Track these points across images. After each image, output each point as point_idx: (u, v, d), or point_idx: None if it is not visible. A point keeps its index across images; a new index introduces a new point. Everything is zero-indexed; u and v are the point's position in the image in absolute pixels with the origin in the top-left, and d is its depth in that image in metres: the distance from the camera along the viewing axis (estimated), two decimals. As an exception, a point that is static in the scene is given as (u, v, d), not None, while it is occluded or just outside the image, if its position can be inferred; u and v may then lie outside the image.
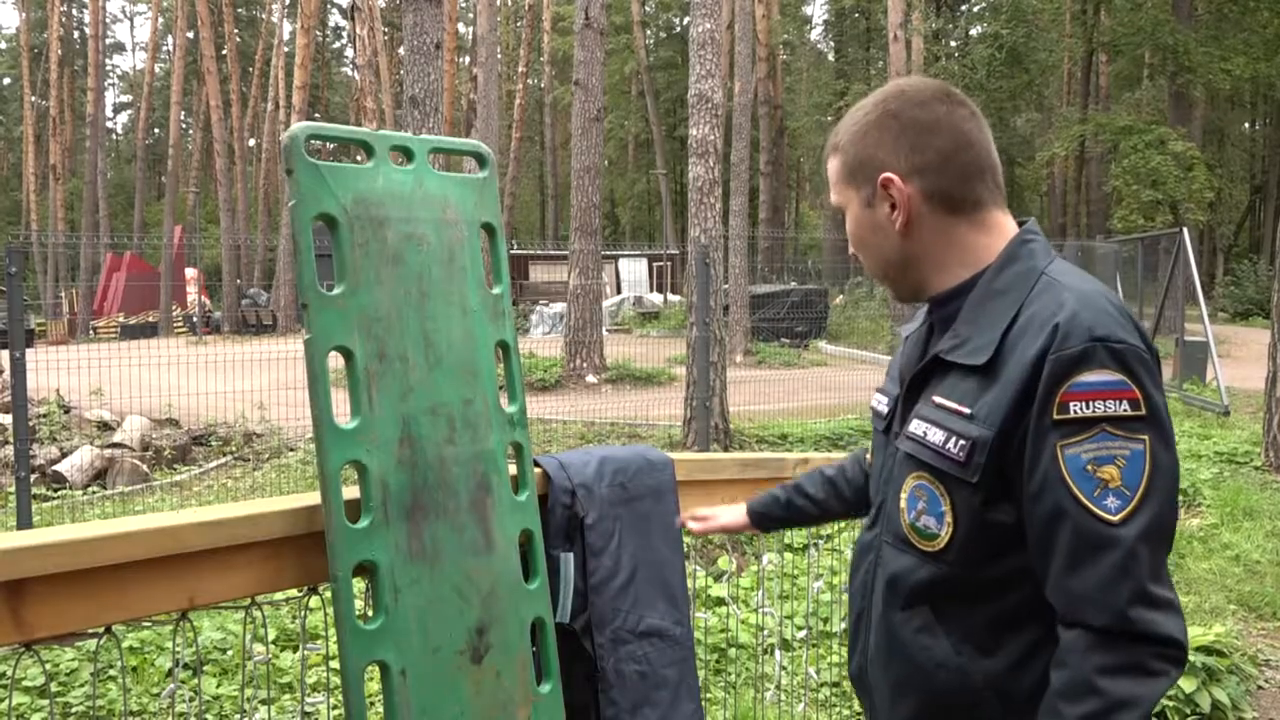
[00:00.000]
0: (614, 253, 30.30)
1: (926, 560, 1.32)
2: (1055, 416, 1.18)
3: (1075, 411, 1.17)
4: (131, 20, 65.88)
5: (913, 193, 1.34)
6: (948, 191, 1.34)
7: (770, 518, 1.82)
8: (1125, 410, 1.17)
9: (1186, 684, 3.80)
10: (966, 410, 1.26)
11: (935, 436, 1.29)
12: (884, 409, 1.47)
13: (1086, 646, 1.17)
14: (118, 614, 1.43)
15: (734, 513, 1.86)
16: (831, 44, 52.66)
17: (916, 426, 1.34)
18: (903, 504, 1.35)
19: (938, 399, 1.31)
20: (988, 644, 1.28)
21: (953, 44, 33.50)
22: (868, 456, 1.69)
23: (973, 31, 34.48)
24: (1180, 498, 5.44)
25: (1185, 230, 13.12)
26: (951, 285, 1.36)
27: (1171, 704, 3.79)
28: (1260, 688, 4.29)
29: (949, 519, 1.28)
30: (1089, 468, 1.17)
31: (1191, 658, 3.89)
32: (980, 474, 1.24)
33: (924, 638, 1.32)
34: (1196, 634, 4.07)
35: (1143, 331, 1.24)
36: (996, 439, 1.22)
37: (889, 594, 1.37)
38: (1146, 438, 1.18)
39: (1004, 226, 1.37)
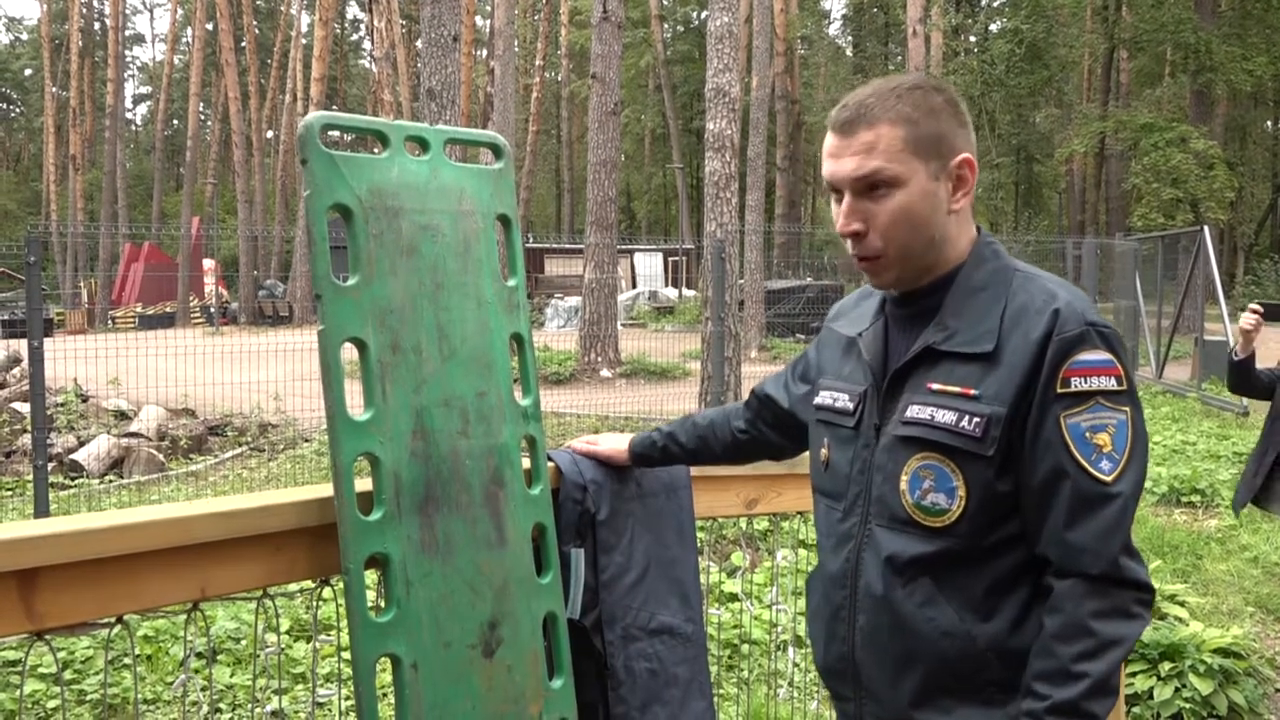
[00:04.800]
0: (629, 247, 30.25)
1: (932, 536, 1.40)
2: (1059, 390, 1.33)
3: (1075, 386, 1.33)
4: (151, 12, 66.23)
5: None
6: (972, 184, 1.45)
7: (648, 459, 1.93)
8: (1113, 385, 1.34)
9: (1203, 686, 3.76)
10: (972, 391, 1.37)
11: (946, 417, 1.39)
12: (848, 404, 1.53)
13: (1083, 594, 1.31)
14: (130, 604, 1.43)
15: (617, 445, 1.95)
16: (850, 39, 52.45)
17: (918, 411, 1.41)
18: (903, 486, 1.42)
19: (935, 385, 1.41)
20: (986, 609, 1.39)
21: (972, 39, 33.29)
22: (741, 423, 1.85)
23: (992, 27, 34.24)
24: (1198, 498, 5.38)
25: (1206, 229, 13.00)
26: (931, 280, 1.46)
27: (1188, 706, 3.75)
28: (1278, 690, 4.25)
29: (961, 493, 1.38)
30: (1087, 435, 1.33)
31: (1208, 660, 3.85)
32: (995, 447, 1.35)
33: (927, 610, 1.41)
34: (1214, 636, 4.04)
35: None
36: (1009, 414, 1.35)
37: (888, 573, 1.43)
38: (1128, 409, 1.35)
39: (973, 229, 1.49)
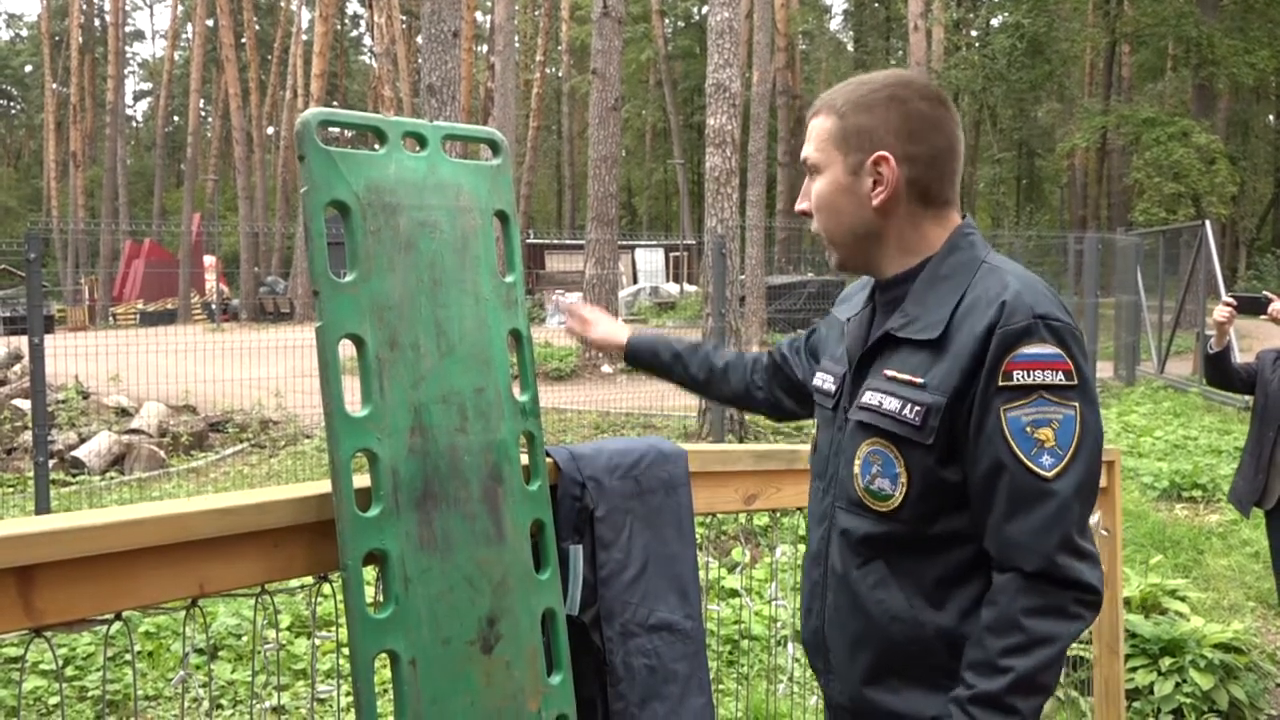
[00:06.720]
0: (630, 243, 30.26)
1: (880, 520, 1.44)
2: (1000, 383, 1.32)
3: (1017, 379, 1.31)
4: (151, 8, 66.28)
5: (900, 177, 1.44)
6: (927, 186, 1.46)
7: (641, 361, 1.95)
8: (1060, 380, 1.32)
9: (1204, 681, 3.77)
10: (919, 380, 1.39)
11: (891, 404, 1.41)
12: (831, 387, 1.58)
13: (1017, 589, 1.31)
14: (128, 601, 1.43)
15: (613, 330, 1.95)
16: (851, 33, 52.41)
17: (870, 397, 1.45)
18: (856, 469, 1.47)
19: (889, 372, 1.44)
20: (936, 598, 1.41)
21: (973, 33, 33.24)
22: (755, 377, 1.91)
23: (994, 21, 34.21)
24: (1199, 494, 5.36)
25: (1207, 223, 13.00)
26: (901, 270, 1.48)
27: (1189, 701, 3.76)
28: (1278, 685, 4.25)
29: (903, 480, 1.41)
30: (1028, 429, 1.31)
31: (1209, 655, 3.86)
32: (934, 436, 1.37)
33: (879, 592, 1.44)
34: (1215, 631, 4.04)
35: (1071, 313, 1.39)
36: (949, 404, 1.36)
37: (846, 552, 1.49)
38: (1077, 404, 1.33)
39: (956, 223, 1.50)
